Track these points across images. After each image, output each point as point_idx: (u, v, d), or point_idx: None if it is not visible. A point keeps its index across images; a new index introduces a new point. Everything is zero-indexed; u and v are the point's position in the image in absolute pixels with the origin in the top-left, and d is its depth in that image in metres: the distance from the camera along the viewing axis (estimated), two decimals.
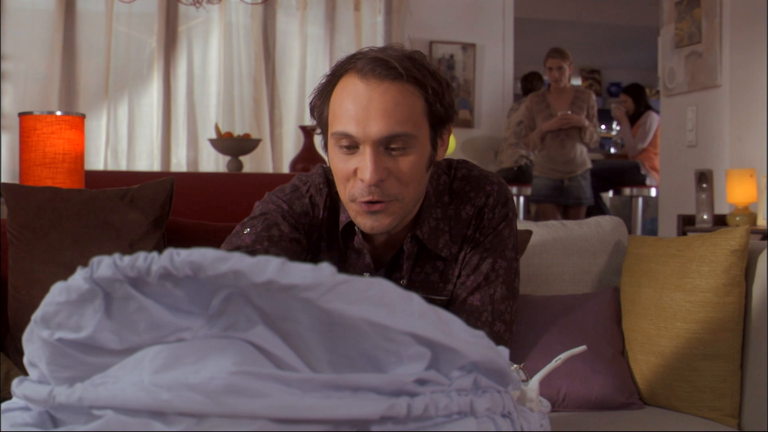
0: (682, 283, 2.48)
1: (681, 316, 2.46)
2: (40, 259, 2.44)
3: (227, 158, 5.94)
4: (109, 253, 2.41)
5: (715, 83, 4.77)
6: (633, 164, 7.32)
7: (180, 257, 0.88)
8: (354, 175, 1.59)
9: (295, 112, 7.20)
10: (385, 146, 1.57)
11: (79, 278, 0.93)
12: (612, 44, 10.52)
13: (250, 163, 6.66)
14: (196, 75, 7.09)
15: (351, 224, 1.71)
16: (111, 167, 6.71)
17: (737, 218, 4.35)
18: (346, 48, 7.37)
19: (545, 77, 7.12)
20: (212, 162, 7.00)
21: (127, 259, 0.90)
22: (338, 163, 1.61)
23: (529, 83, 7.54)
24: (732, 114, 4.73)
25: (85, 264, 2.39)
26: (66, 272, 2.42)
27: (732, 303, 2.41)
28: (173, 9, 7.01)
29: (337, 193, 1.72)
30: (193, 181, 4.26)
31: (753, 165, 4.62)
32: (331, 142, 1.63)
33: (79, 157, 3.05)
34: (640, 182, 7.25)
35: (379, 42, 7.47)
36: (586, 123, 6.28)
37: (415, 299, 0.94)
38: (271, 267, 0.87)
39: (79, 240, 2.46)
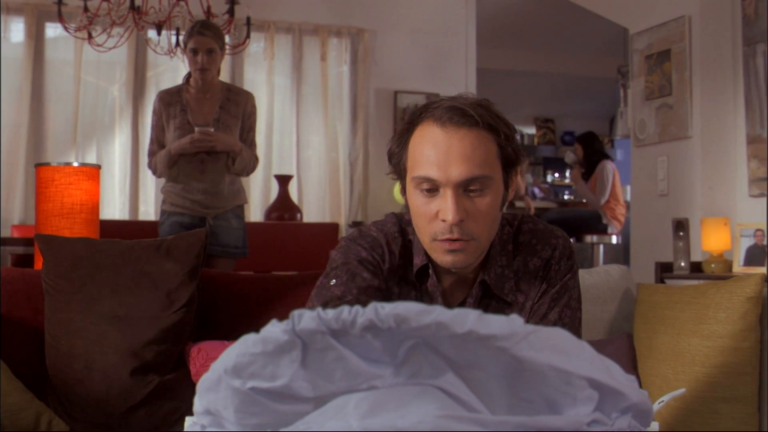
0: (699, 329, 2.59)
1: (699, 361, 2.57)
2: (79, 308, 2.48)
3: None
4: (148, 302, 2.46)
5: (686, 134, 4.95)
6: (595, 213, 7.50)
7: (385, 310, 0.95)
8: (435, 217, 1.71)
9: (262, 161, 7.27)
10: (464, 188, 1.69)
11: (276, 330, 0.99)
12: (567, 94, 10.80)
13: None
14: None
15: (424, 268, 1.81)
16: None
17: (713, 265, 4.50)
18: (313, 97, 7.48)
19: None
20: None
21: (330, 312, 0.97)
22: (420, 205, 1.73)
23: None
24: (703, 164, 4.91)
25: (125, 314, 2.42)
26: (105, 322, 2.47)
27: (749, 348, 2.53)
28: (142, 58, 7.06)
29: (409, 241, 1.82)
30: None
31: (723, 214, 4.80)
32: (410, 185, 1.75)
33: (95, 208, 3.09)
34: (601, 231, 7.43)
35: (345, 91, 7.59)
36: (238, 147, 4.38)
37: (585, 346, 1.02)
38: (470, 318, 0.95)
39: (117, 290, 2.50)
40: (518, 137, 1.82)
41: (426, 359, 1.01)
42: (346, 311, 0.96)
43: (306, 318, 0.98)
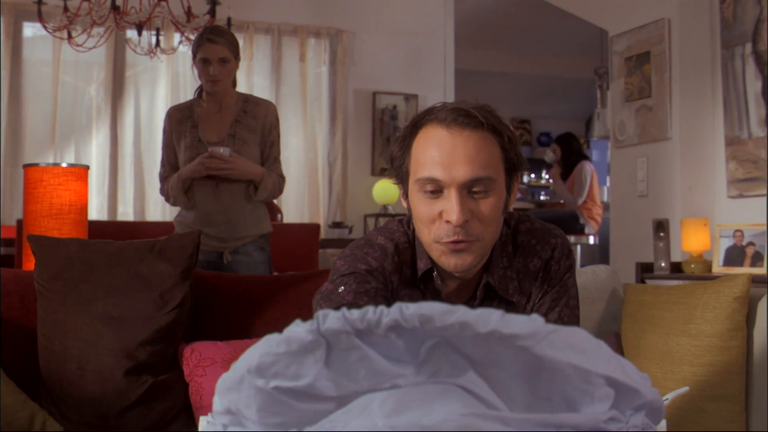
0: (687, 329, 2.63)
1: (687, 360, 2.61)
2: (73, 309, 2.48)
3: (175, 208, 5.96)
4: (141, 303, 2.46)
5: (666, 136, 5.00)
6: (572, 214, 7.55)
7: (410, 310, 0.97)
8: (439, 218, 1.71)
9: None
10: (468, 189, 1.70)
11: (300, 330, 1.01)
12: (543, 95, 10.86)
13: None
14: (143, 124, 7.12)
15: (429, 271, 1.81)
16: None
17: (692, 266, 4.55)
18: (291, 97, 7.48)
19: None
20: (159, 211, 7.02)
21: (355, 312, 0.98)
22: (423, 207, 1.73)
23: None
24: (682, 165, 4.96)
25: (118, 315, 2.42)
26: (98, 323, 2.47)
27: (736, 347, 2.56)
28: (120, 57, 7.04)
29: (414, 246, 1.82)
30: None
31: (702, 214, 4.85)
32: (414, 188, 1.75)
33: (84, 208, 3.09)
34: (579, 231, 7.47)
35: (324, 91, 7.60)
36: (259, 174, 3.80)
37: (602, 345, 1.04)
38: (493, 318, 0.97)
39: (110, 291, 2.50)
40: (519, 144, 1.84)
41: (447, 358, 1.03)
42: (371, 311, 0.98)
43: (331, 318, 0.99)
